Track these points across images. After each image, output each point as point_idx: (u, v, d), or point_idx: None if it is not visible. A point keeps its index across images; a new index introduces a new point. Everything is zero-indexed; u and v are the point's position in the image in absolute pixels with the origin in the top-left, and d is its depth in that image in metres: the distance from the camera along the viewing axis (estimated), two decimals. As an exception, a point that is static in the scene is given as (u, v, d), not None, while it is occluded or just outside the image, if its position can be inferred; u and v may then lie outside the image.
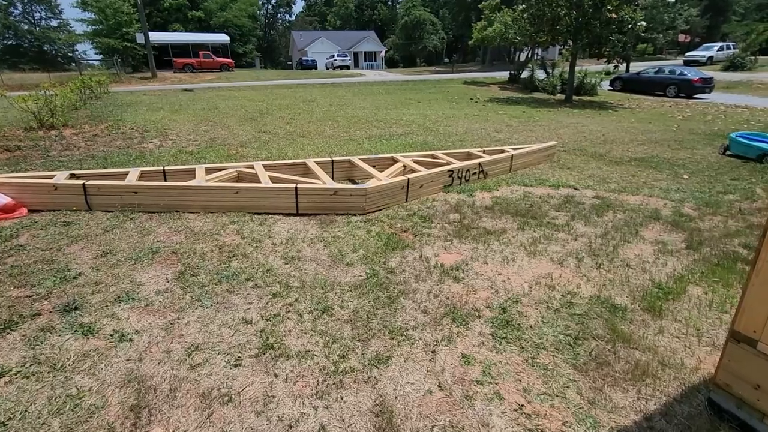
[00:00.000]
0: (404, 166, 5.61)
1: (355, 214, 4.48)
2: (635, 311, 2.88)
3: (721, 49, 32.67)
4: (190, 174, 4.99)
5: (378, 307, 2.87)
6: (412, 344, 2.52)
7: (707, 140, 9.16)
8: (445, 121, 11.27)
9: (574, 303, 2.96)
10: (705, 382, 2.24)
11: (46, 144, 7.56)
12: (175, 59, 31.96)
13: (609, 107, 15.25)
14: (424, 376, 2.28)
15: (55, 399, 2.03)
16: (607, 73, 18.96)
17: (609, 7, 14.52)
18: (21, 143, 7.48)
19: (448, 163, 5.74)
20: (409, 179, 4.89)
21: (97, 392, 2.08)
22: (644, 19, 15.25)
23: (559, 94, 18.76)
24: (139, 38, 30.20)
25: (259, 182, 4.66)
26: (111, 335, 2.50)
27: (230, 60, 34.26)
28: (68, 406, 1.99)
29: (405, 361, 2.38)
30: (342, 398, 2.10)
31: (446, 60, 52.29)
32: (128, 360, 2.31)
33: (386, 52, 55.47)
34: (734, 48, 32.36)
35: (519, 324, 2.72)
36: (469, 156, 6.44)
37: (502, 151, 6.54)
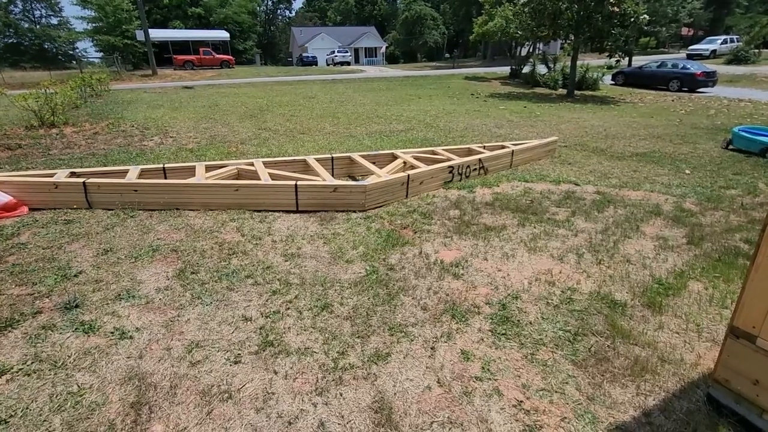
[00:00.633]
0: (404, 162, 5.60)
1: (355, 211, 4.48)
2: (635, 307, 2.88)
3: (724, 42, 32.39)
4: (190, 171, 5.00)
5: (378, 303, 2.87)
6: (412, 341, 2.52)
7: (710, 135, 9.11)
8: (446, 116, 11.23)
9: (573, 299, 2.96)
10: (704, 377, 2.24)
11: (46, 142, 7.57)
12: (175, 56, 31.88)
13: (611, 102, 15.17)
14: (423, 372, 2.28)
15: (56, 396, 2.04)
16: (609, 68, 18.84)
17: (611, 1, 14.40)
18: (22, 142, 7.49)
19: (449, 160, 5.73)
20: (409, 176, 4.88)
21: (98, 389, 2.10)
22: (647, 12, 15.11)
23: (560, 89, 18.66)
24: (139, 35, 30.14)
25: (259, 179, 4.65)
26: (112, 333, 2.51)
27: (230, 57, 34.16)
28: (69, 404, 2.00)
29: (404, 357, 2.39)
30: (341, 395, 2.11)
31: (447, 55, 52.07)
32: (129, 357, 2.32)
33: (387, 47, 55.26)
34: (738, 41, 32.07)
35: (518, 320, 2.72)
36: (469, 152, 6.42)
37: (503, 147, 6.52)
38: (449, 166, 5.42)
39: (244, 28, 46.22)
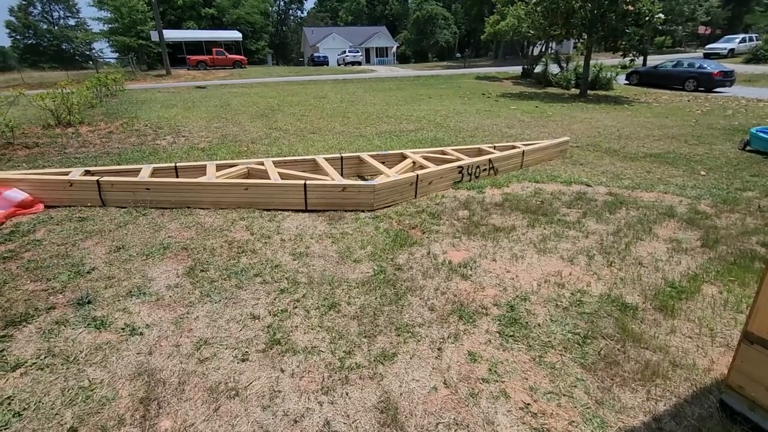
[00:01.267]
0: (414, 162, 5.59)
1: (363, 211, 4.48)
2: (647, 310, 2.83)
3: (743, 41, 31.66)
4: (201, 171, 5.05)
5: (385, 303, 2.87)
6: (419, 341, 2.51)
7: (726, 135, 8.92)
8: (456, 116, 11.18)
9: (583, 301, 2.92)
10: (717, 383, 2.19)
11: (63, 141, 7.73)
12: (188, 56, 32.31)
13: (624, 102, 14.94)
14: (429, 373, 2.27)
15: (68, 390, 2.08)
16: (623, 67, 18.54)
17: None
18: (39, 140, 7.66)
19: (458, 160, 5.70)
20: (418, 175, 4.87)
21: (109, 384, 2.13)
22: (662, 10, 14.85)
23: (573, 89, 18.44)
24: (154, 36, 30.61)
25: (269, 179, 4.69)
26: (122, 329, 2.55)
27: (243, 57, 34.49)
28: (80, 398, 2.04)
29: (411, 358, 2.38)
30: (347, 394, 2.11)
31: (458, 55, 51.84)
32: (139, 353, 2.36)
33: (398, 47, 55.22)
34: (757, 40, 31.32)
35: (527, 322, 2.70)
36: (479, 152, 6.38)
37: (513, 147, 6.47)
38: (459, 167, 5.40)
39: (256, 28, 46.63)
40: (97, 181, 4.41)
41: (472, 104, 13.79)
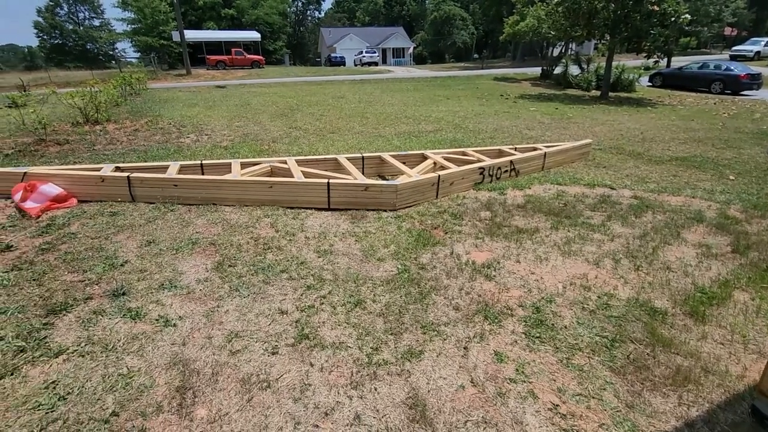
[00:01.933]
0: (434, 162, 5.60)
1: (385, 210, 4.51)
2: (676, 315, 2.79)
3: (769, 43, 30.73)
4: (226, 168, 5.15)
5: (410, 302, 2.90)
6: (444, 340, 2.53)
7: (755, 139, 8.68)
8: (475, 118, 11.14)
9: (610, 305, 2.89)
10: (749, 390, 2.15)
11: (91, 138, 7.96)
12: (208, 56, 32.88)
13: (648, 104, 14.66)
14: (456, 371, 2.29)
15: (108, 377, 2.16)
16: (647, 68, 18.19)
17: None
18: (69, 137, 7.91)
19: (479, 161, 5.69)
20: (439, 176, 4.88)
21: (146, 373, 2.21)
22: (688, 11, 14.51)
23: (594, 91, 18.15)
24: (175, 36, 31.25)
25: (292, 177, 4.76)
26: (156, 320, 2.64)
27: (261, 57, 34.94)
28: (120, 384, 2.12)
29: (437, 356, 2.40)
30: (376, 389, 2.15)
31: (475, 56, 51.52)
32: (173, 344, 2.43)
33: (415, 48, 55.19)
34: (785, 42, 30.36)
35: (553, 324, 2.69)
36: (500, 153, 6.35)
37: (535, 149, 6.42)
38: (480, 168, 5.39)
39: (274, 28, 47.22)
40: (128, 177, 4.54)
41: (491, 105, 13.71)
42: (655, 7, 13.87)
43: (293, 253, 3.57)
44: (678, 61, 23.44)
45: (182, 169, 5.08)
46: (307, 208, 4.52)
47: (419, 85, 20.37)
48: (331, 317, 2.72)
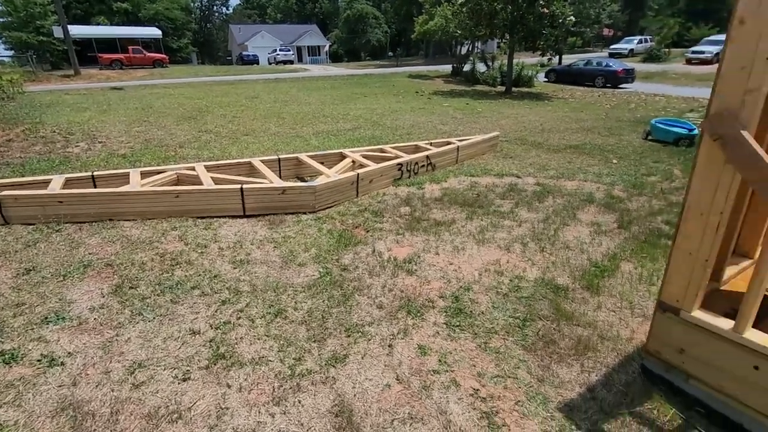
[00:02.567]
0: (353, 161, 5.58)
1: (305, 213, 4.39)
2: (576, 290, 3.07)
3: (640, 42, 35.49)
4: (124, 179, 4.64)
5: (333, 305, 2.84)
6: (369, 340, 2.52)
7: (632, 126, 9.93)
8: (392, 114, 11.34)
9: (521, 287, 3.10)
10: (638, 350, 2.43)
11: (-52, 152, 6.70)
12: (100, 55, 29.49)
13: (545, 98, 16.08)
14: (382, 371, 2.29)
15: (-27, 438, 1.82)
16: (542, 65, 19.95)
17: (541, 2, 15.26)
18: None
19: (397, 157, 5.79)
20: (358, 174, 4.87)
21: (25, 425, 1.89)
22: (573, 13, 16.18)
23: (499, 86, 19.47)
24: (57, 32, 27.51)
25: (202, 184, 4.43)
26: (39, 360, 2.28)
27: (164, 55, 32.20)
28: (-10, 445, 1.79)
29: (362, 357, 2.38)
30: (300, 402, 2.06)
31: (390, 54, 52.53)
32: (60, 386, 2.12)
33: (330, 46, 54.77)
34: (650, 41, 35.29)
35: (471, 311, 2.81)
36: (417, 149, 6.53)
37: (449, 143, 6.69)
38: (398, 164, 5.48)
39: (177, 25, 43.73)
40: (-4, 196, 3.88)
41: (407, 102, 14.06)
42: (546, 10, 15.25)
43: (205, 266, 3.31)
44: (568, 59, 26.06)
45: (68, 183, 4.47)
46: (220, 217, 4.24)
47: (336, 84, 20.24)
48: (249, 331, 2.57)
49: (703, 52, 26.51)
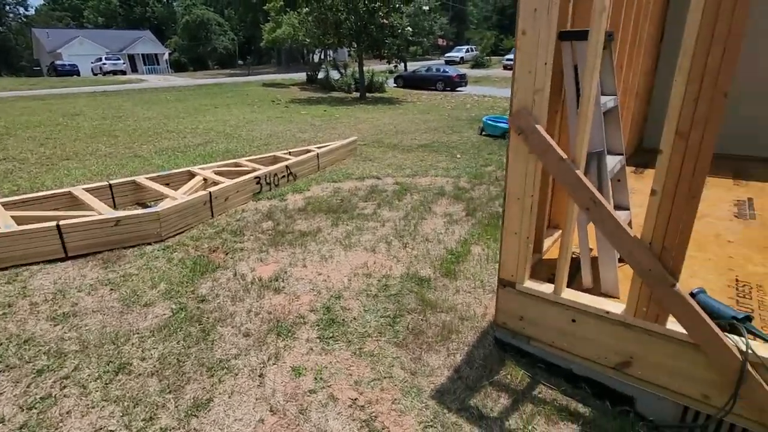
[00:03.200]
0: (204, 179, 5.10)
1: (149, 243, 3.83)
2: (437, 279, 3.31)
3: (467, 50, 40.88)
4: None
5: (191, 345, 2.51)
6: (236, 375, 2.29)
7: (469, 124, 11.29)
8: (248, 125, 10.78)
9: (389, 285, 3.20)
10: (491, 325, 2.72)
11: None
12: None
13: (396, 102, 17.22)
14: (253, 405, 2.10)
15: None
16: (391, 72, 21.38)
17: (380, 14, 16.30)
18: None
19: (254, 170, 5.48)
20: (211, 193, 4.45)
21: None
22: (410, 25, 17.70)
23: (354, 93, 20.18)
24: None
25: (-3, 227, 3.51)
26: None
27: (-68, 66, 24.93)
28: None
29: (229, 397, 2.15)
30: (154, 470, 1.75)
31: (241, 62, 50.15)
32: None
33: (170, 54, 49.62)
34: (476, 50, 40.92)
35: (344, 319, 2.79)
36: (275, 159, 6.30)
37: (308, 151, 6.62)
38: (256, 177, 5.19)
39: (-51, 27, 34.35)
40: None
41: (263, 112, 13.54)
42: (385, 21, 16.35)
43: (11, 330, 2.62)
44: (412, 66, 28.45)
45: None
46: (29, 264, 3.41)
47: (182, 95, 18.39)
48: (80, 401, 2.09)
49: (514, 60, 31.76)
